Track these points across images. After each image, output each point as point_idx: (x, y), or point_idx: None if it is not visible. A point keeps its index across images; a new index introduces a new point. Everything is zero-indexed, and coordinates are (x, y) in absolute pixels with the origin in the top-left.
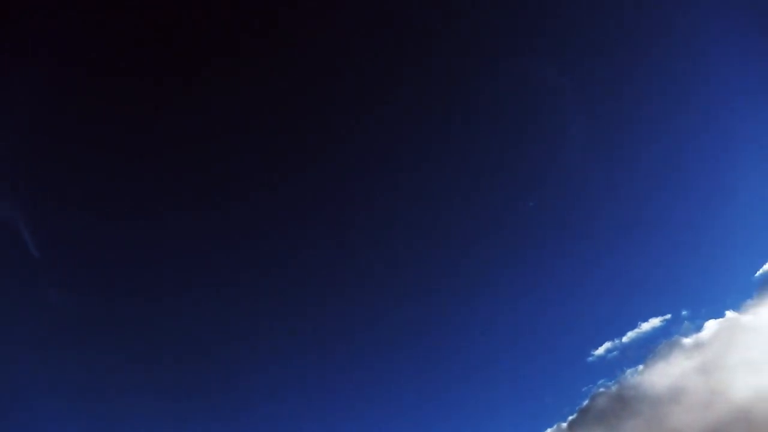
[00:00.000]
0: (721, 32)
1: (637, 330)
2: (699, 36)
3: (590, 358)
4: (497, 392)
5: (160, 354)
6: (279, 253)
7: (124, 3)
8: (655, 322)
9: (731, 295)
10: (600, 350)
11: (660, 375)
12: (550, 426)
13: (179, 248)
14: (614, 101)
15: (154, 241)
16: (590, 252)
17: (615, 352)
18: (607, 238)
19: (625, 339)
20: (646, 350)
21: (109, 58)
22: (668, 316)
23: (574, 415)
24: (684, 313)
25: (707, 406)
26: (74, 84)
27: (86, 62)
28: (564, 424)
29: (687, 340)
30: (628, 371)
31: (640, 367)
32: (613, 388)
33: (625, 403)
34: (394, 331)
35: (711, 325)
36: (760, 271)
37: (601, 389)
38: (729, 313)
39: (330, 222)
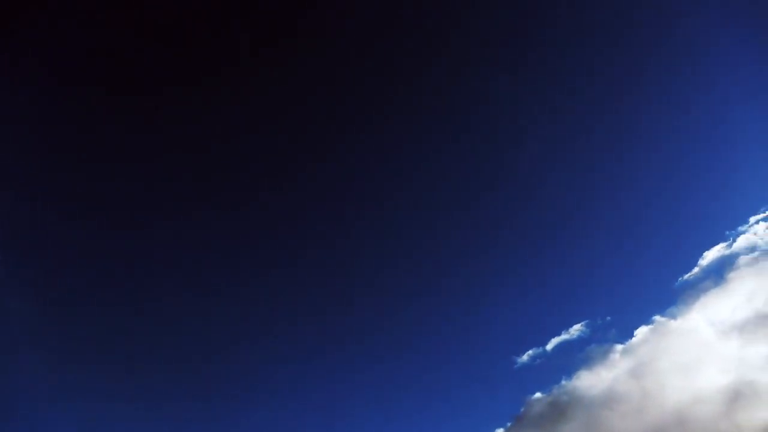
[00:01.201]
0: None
1: (562, 336)
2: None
3: (516, 365)
4: (432, 402)
5: (159, 358)
6: (278, 256)
7: (127, 5)
8: (578, 328)
9: (658, 300)
10: (525, 357)
11: (594, 380)
12: None
13: (176, 252)
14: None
15: (152, 245)
16: (512, 259)
17: (541, 359)
18: (528, 245)
19: (549, 346)
20: (575, 356)
21: (106, 59)
22: (596, 321)
23: (511, 423)
24: (608, 319)
25: (642, 410)
26: (65, 86)
27: (82, 64)
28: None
29: (619, 346)
30: (563, 377)
31: (574, 373)
32: (548, 395)
33: (560, 409)
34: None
35: (641, 331)
36: (686, 277)
37: (537, 395)
38: (658, 319)
39: (329, 225)
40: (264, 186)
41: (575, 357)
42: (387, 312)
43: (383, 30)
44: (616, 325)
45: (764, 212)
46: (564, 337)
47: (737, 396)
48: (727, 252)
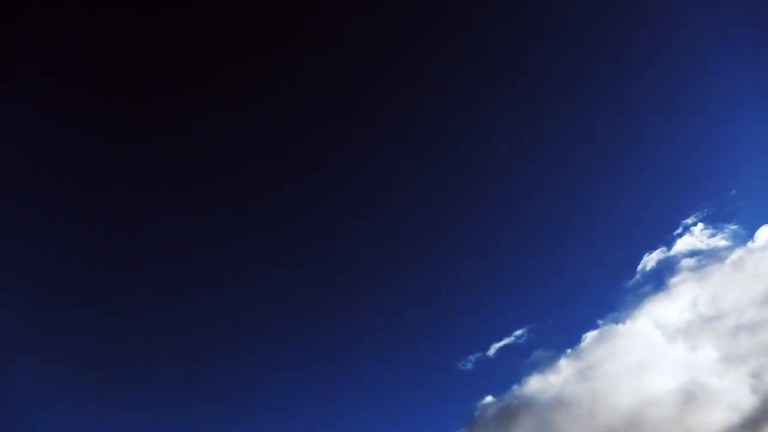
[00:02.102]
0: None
1: (503, 341)
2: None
3: (461, 371)
4: (377, 410)
5: (158, 361)
6: (277, 258)
7: (130, 7)
8: (520, 333)
9: (603, 305)
10: (469, 363)
11: (544, 385)
12: None
13: (176, 254)
14: None
15: (152, 247)
16: (454, 264)
17: (486, 364)
18: (469, 250)
19: (491, 351)
20: (522, 361)
21: (106, 60)
22: (540, 326)
23: (463, 430)
24: (552, 324)
25: (593, 413)
26: (64, 87)
27: (81, 64)
28: None
29: (567, 351)
30: (512, 382)
31: (523, 377)
32: (499, 400)
33: (511, 414)
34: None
35: (589, 336)
36: (628, 282)
37: (487, 400)
38: (604, 323)
39: (328, 228)
40: (263, 187)
41: (522, 362)
42: (328, 322)
43: (383, 31)
44: (562, 330)
45: (701, 214)
46: (506, 341)
47: (688, 399)
48: (667, 255)
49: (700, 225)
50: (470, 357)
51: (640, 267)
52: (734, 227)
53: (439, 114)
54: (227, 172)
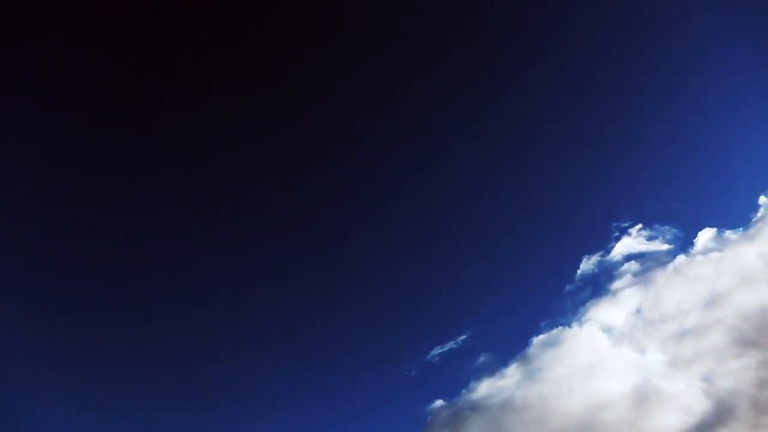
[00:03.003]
0: None
1: (448, 346)
2: None
3: (406, 375)
4: (320, 419)
5: (157, 363)
6: (279, 260)
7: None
8: (463, 338)
9: (547, 310)
10: (413, 368)
11: (494, 389)
12: None
13: (176, 256)
14: None
15: (151, 250)
16: (394, 268)
17: (431, 369)
18: (409, 255)
19: (435, 357)
20: (468, 366)
21: (106, 62)
22: (483, 331)
23: None
24: (496, 328)
25: (544, 417)
26: (64, 89)
27: (82, 67)
28: None
29: (515, 355)
30: (461, 387)
31: (472, 382)
32: (448, 405)
33: (462, 418)
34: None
35: (537, 340)
36: (569, 286)
37: (436, 405)
38: (551, 327)
39: (328, 230)
40: (263, 192)
41: (469, 366)
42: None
43: (384, 33)
44: (506, 335)
45: (639, 218)
46: (449, 346)
47: (639, 402)
48: (607, 259)
49: (638, 228)
50: (416, 362)
51: (579, 271)
52: (674, 230)
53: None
54: (229, 175)
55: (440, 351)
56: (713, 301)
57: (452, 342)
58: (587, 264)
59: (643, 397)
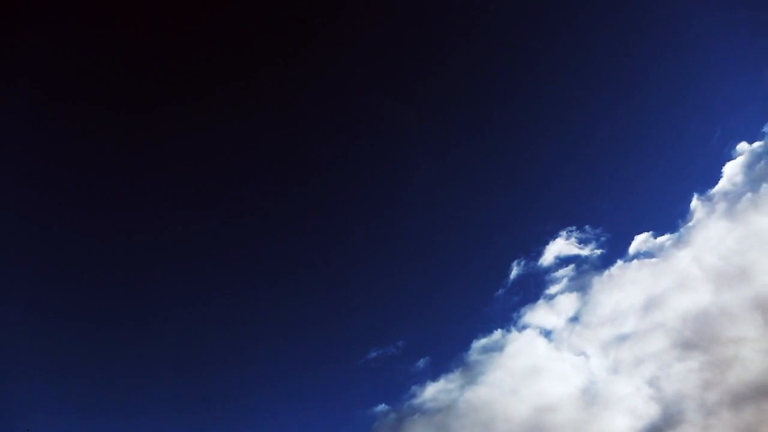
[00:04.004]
0: None
1: (384, 349)
2: None
3: (350, 378)
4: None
5: (160, 365)
6: (278, 262)
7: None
8: (399, 345)
9: (486, 314)
10: (352, 373)
11: (438, 393)
12: None
13: (176, 258)
14: None
15: (152, 252)
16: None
17: (372, 373)
18: (343, 266)
19: (373, 361)
20: (409, 370)
21: (107, 64)
22: (421, 335)
23: None
24: (432, 334)
25: (490, 421)
26: (64, 90)
27: (82, 67)
28: None
29: (458, 359)
30: (403, 392)
31: (415, 386)
32: (393, 408)
33: (407, 423)
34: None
35: (477, 344)
36: (504, 290)
37: (380, 408)
38: (488, 332)
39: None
40: (264, 194)
41: (409, 371)
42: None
43: (382, 35)
44: (445, 340)
45: (573, 224)
46: (388, 351)
47: (585, 405)
48: (538, 263)
49: (568, 232)
50: (354, 366)
51: (511, 275)
52: (606, 235)
53: None
54: (229, 179)
55: (378, 355)
56: (651, 305)
57: (391, 346)
58: (518, 269)
59: (589, 401)
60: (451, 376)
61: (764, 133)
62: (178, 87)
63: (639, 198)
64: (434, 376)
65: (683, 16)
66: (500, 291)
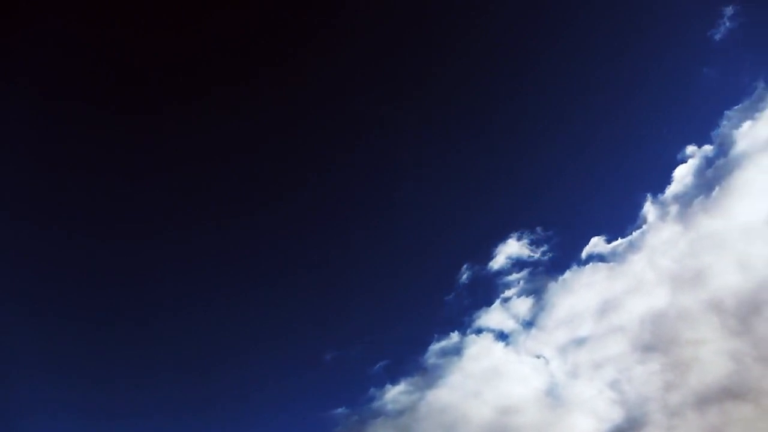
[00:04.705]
0: None
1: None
2: None
3: (306, 380)
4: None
5: (161, 366)
6: (278, 262)
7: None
8: (357, 346)
9: (440, 316)
10: (309, 375)
11: (397, 396)
12: None
13: (176, 259)
14: None
15: (153, 253)
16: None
17: (328, 375)
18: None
19: (330, 363)
20: (368, 373)
21: (111, 68)
22: (378, 337)
23: None
24: (388, 336)
25: (451, 424)
26: (64, 91)
27: (80, 66)
28: None
29: (415, 361)
30: (363, 395)
31: (374, 389)
32: (352, 411)
33: (367, 426)
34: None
35: (434, 347)
36: (455, 294)
37: (339, 411)
38: (444, 335)
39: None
40: (264, 194)
41: (368, 373)
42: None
43: (382, 35)
44: (401, 342)
45: (524, 227)
46: (344, 353)
47: (547, 409)
48: (489, 266)
49: (520, 235)
50: (311, 369)
51: (461, 279)
52: (558, 238)
53: None
54: (228, 180)
55: (334, 357)
56: (607, 308)
57: (348, 348)
58: (469, 271)
59: (551, 404)
60: (410, 379)
61: (714, 136)
62: (178, 87)
63: (590, 201)
64: (393, 379)
65: (632, 19)
66: (452, 295)
